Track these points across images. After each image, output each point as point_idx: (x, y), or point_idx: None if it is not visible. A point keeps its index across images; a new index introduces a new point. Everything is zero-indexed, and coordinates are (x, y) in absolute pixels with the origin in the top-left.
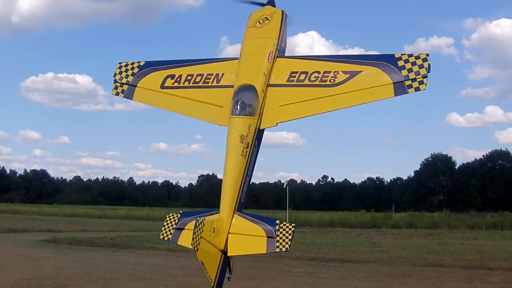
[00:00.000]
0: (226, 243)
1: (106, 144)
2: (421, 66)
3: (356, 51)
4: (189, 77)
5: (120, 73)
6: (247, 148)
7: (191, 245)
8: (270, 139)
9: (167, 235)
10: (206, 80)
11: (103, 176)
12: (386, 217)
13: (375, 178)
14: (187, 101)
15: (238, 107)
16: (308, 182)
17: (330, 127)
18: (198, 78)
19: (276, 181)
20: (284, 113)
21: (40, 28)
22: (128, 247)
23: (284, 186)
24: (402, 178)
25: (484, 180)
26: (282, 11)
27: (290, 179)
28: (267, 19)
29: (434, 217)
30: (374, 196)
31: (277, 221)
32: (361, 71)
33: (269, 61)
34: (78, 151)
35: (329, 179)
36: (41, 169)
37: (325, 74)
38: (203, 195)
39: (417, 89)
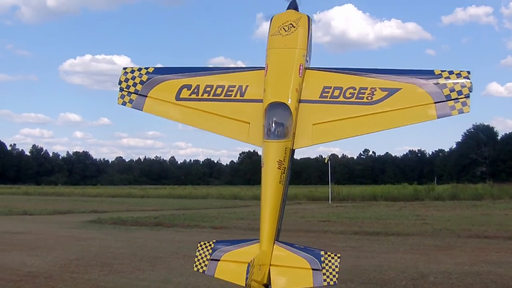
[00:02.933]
0: (268, 275)
1: (146, 124)
2: (463, 85)
3: (393, 23)
4: (208, 89)
5: (127, 80)
6: (284, 173)
7: None
8: None
9: (202, 267)
10: (228, 93)
11: (145, 156)
12: (429, 189)
13: (416, 151)
14: (208, 115)
15: (273, 129)
16: (349, 157)
17: None
18: (219, 90)
19: (317, 156)
20: (319, 133)
21: (76, 11)
22: (172, 225)
23: (326, 161)
24: (444, 150)
25: None
26: (308, 16)
27: (331, 154)
28: (293, 26)
29: (477, 188)
30: (416, 169)
31: (322, 252)
32: (400, 89)
33: (300, 75)
34: (119, 132)
35: (370, 153)
36: (83, 151)
37: (362, 91)
38: (245, 172)
39: (460, 111)
